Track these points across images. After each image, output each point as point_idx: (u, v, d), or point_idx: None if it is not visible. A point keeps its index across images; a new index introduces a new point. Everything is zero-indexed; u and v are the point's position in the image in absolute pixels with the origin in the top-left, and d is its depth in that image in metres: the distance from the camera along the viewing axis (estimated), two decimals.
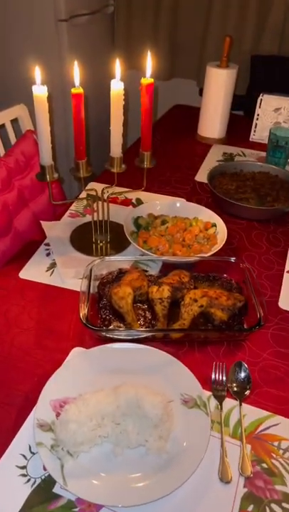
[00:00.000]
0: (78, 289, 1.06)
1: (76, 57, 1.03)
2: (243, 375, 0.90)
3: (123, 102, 1.04)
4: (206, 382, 0.90)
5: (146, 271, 1.14)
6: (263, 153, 1.75)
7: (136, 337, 0.94)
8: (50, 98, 0.97)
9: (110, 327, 0.99)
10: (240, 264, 1.09)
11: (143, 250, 1.16)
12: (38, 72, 0.94)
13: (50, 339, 0.98)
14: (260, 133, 1.82)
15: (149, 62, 1.03)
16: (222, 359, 0.95)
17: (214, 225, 1.26)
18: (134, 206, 1.41)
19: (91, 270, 1.07)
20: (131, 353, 0.93)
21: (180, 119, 2.04)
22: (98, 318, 1.01)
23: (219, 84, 1.70)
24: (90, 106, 2.06)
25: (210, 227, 1.25)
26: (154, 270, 1.15)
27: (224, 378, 0.89)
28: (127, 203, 1.43)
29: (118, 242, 1.25)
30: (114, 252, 1.22)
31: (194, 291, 1.02)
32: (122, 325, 0.99)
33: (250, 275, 1.06)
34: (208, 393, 0.88)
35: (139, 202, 1.43)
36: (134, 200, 1.44)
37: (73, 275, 1.14)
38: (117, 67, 1.01)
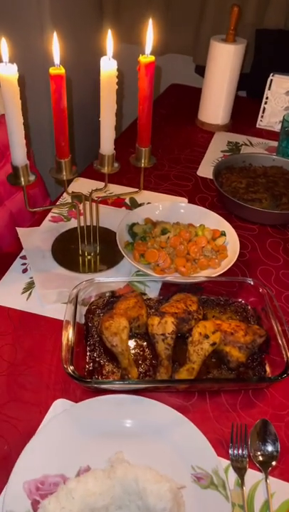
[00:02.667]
0: (61, 317, 0.86)
1: (59, 30, 0.80)
2: (268, 439, 0.72)
3: (116, 86, 0.82)
4: (221, 445, 0.72)
5: (144, 294, 0.95)
6: (273, 143, 1.55)
7: (134, 388, 0.75)
8: (21, 80, 0.75)
9: (103, 374, 0.79)
10: (260, 288, 0.90)
11: (140, 267, 0.96)
12: (4, 46, 0.72)
13: (26, 388, 0.78)
14: (268, 118, 1.61)
15: (150, 35, 0.81)
16: (240, 412, 0.77)
17: (223, 234, 1.06)
18: (128, 207, 1.20)
19: (77, 294, 0.87)
20: (128, 409, 0.74)
21: (177, 101, 1.81)
22: (86, 360, 0.81)
23: (225, 62, 1.47)
24: (74, 91, 1.81)
25: (219, 237, 1.05)
26: (153, 292, 0.96)
27: (245, 444, 0.71)
28: (119, 203, 1.22)
29: (110, 253, 1.05)
30: (106, 267, 1.02)
31: (204, 323, 0.83)
32: (115, 370, 0.80)
33: (270, 303, 0.87)
34: (225, 462, 0.70)
35: (133, 202, 1.22)
36: (127, 200, 1.23)
37: (55, 298, 0.94)
38: (109, 41, 0.79)
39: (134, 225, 1.06)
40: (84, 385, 0.75)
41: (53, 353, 0.84)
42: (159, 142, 1.51)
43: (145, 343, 0.85)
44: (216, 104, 1.57)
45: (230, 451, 0.70)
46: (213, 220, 1.09)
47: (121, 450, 0.69)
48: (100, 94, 0.82)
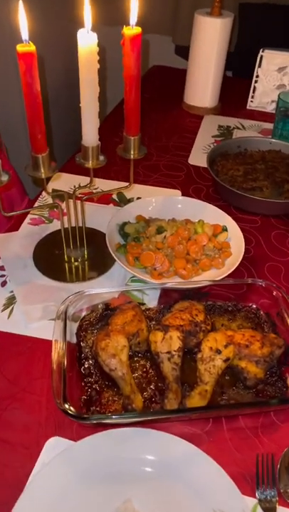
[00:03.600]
0: (49, 337, 0.75)
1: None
2: None
3: (98, 65, 0.69)
4: (245, 480, 0.62)
5: (143, 303, 0.83)
6: (266, 125, 1.44)
7: (141, 421, 0.64)
8: None
9: (102, 403, 0.68)
10: (274, 291, 0.79)
11: (135, 273, 0.85)
12: None
13: (12, 427, 0.66)
14: (259, 99, 1.50)
15: (135, 3, 0.68)
16: (262, 438, 0.67)
17: (225, 229, 0.95)
18: (116, 204, 1.08)
19: (66, 309, 0.75)
20: (135, 445, 0.63)
21: (160, 84, 1.68)
22: (82, 386, 0.70)
23: (211, 38, 1.35)
24: (49, 72, 1.65)
25: (220, 233, 0.94)
26: (152, 300, 0.84)
27: (273, 479, 0.61)
28: (105, 199, 1.10)
29: (99, 258, 0.93)
30: (96, 274, 0.90)
31: (214, 336, 0.72)
32: (116, 398, 0.69)
33: (287, 307, 0.76)
34: (252, 501, 0.60)
35: (121, 198, 1.10)
36: (114, 196, 1.11)
37: (41, 315, 0.82)
38: (87, 10, 0.66)
39: (125, 224, 0.94)
40: (82, 423, 0.64)
41: (42, 380, 0.72)
42: (145, 129, 1.37)
43: (148, 363, 0.74)
44: (203, 86, 1.45)
45: (257, 492, 0.60)
46: (212, 214, 0.98)
47: (129, 497, 0.58)
48: (79, 75, 0.70)
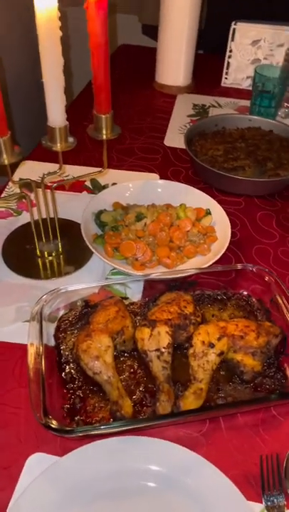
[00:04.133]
0: (24, 341, 0.68)
1: None
2: None
3: (60, 32, 0.61)
4: (249, 484, 0.57)
5: (126, 297, 0.77)
6: (243, 102, 1.38)
7: (131, 428, 0.58)
8: None
9: (87, 411, 0.61)
10: (266, 276, 0.74)
11: (115, 265, 0.78)
12: None
13: None
14: (234, 75, 1.43)
15: None
16: (264, 436, 0.61)
17: (209, 213, 0.89)
18: (90, 191, 1.01)
19: (41, 309, 0.68)
20: (127, 456, 0.57)
21: (129, 64, 1.60)
22: (62, 395, 0.63)
23: (182, 11, 1.27)
24: (3, 44, 1.52)
25: (204, 216, 0.88)
26: (135, 293, 0.78)
27: (280, 480, 0.56)
28: (78, 187, 1.02)
29: (75, 251, 0.86)
30: (72, 269, 0.83)
31: (206, 328, 0.66)
32: (103, 404, 0.62)
33: (281, 292, 0.71)
34: (258, 506, 0.55)
35: (95, 184, 1.02)
36: (87, 183, 1.03)
37: (14, 317, 0.74)
38: None
39: (101, 212, 0.87)
40: (67, 437, 0.57)
41: (18, 390, 0.65)
42: (116, 111, 1.28)
43: (136, 363, 0.67)
44: (175, 64, 1.37)
45: (263, 497, 0.55)
46: (194, 197, 0.91)
47: None
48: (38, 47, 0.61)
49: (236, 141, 1.10)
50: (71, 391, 0.63)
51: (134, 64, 1.59)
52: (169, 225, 0.84)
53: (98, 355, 0.63)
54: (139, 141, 1.18)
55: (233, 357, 0.66)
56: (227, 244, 0.81)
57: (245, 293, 0.77)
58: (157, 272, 0.75)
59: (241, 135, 1.12)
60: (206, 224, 0.87)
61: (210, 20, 1.79)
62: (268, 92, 1.23)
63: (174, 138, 1.20)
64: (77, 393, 0.63)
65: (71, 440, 0.59)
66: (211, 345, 0.64)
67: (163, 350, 0.64)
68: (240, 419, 0.63)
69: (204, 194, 0.91)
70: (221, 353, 0.64)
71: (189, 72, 1.41)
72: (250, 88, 1.33)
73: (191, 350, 0.65)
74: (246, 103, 1.34)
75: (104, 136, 0.74)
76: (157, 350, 0.64)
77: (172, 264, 0.81)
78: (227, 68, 1.44)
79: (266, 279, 0.73)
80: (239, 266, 0.76)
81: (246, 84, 1.43)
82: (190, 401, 0.60)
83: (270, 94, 1.23)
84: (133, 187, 0.93)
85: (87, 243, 0.80)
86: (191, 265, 0.81)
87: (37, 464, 0.57)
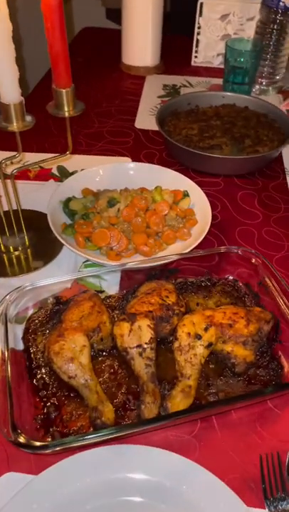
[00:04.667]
0: None
1: None
2: None
3: None
4: (249, 488, 0.51)
5: (102, 291, 0.70)
6: (215, 80, 1.32)
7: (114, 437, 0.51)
8: None
9: (63, 420, 0.54)
10: (252, 258, 0.68)
11: (88, 256, 0.71)
12: None
13: None
14: (204, 53, 1.37)
15: None
16: (262, 433, 0.56)
17: (186, 195, 0.83)
18: (57, 179, 0.93)
19: (6, 309, 0.60)
20: (111, 468, 0.50)
21: (94, 46, 1.51)
22: (35, 405, 0.56)
23: None
24: None
25: (182, 199, 0.82)
26: (112, 286, 0.71)
27: (282, 481, 0.51)
28: (44, 175, 0.94)
29: (44, 244, 0.78)
30: (42, 263, 0.76)
31: (191, 318, 0.60)
32: (81, 411, 0.55)
33: (270, 274, 0.65)
34: None
35: (62, 172, 0.95)
36: (54, 170, 0.95)
37: None
38: None
39: (69, 200, 0.79)
40: (40, 453, 0.50)
41: None
42: (82, 95, 1.21)
43: (116, 362, 0.60)
44: (141, 43, 1.30)
45: (265, 502, 0.49)
46: (170, 179, 0.85)
47: None
48: None
49: (211, 119, 1.04)
50: (44, 399, 0.56)
51: (98, 47, 1.50)
52: (144, 209, 0.77)
53: (73, 357, 0.56)
54: (108, 125, 1.11)
55: (222, 348, 0.60)
56: (208, 228, 0.75)
57: (231, 278, 0.71)
58: (134, 261, 0.68)
59: (216, 113, 1.06)
60: (184, 207, 0.80)
61: (175, 4, 1.72)
62: (241, 68, 1.17)
63: (145, 120, 1.13)
64: (52, 401, 0.56)
65: (47, 455, 0.52)
66: (198, 337, 0.58)
67: (145, 346, 0.57)
68: (235, 416, 0.57)
69: (181, 175, 0.85)
70: (209, 345, 0.58)
71: (157, 52, 1.33)
72: (222, 66, 1.27)
73: (176, 344, 0.59)
74: (219, 81, 1.28)
75: (67, 113, 0.66)
76: (139, 346, 0.57)
77: (151, 251, 0.75)
78: (196, 46, 1.37)
79: (253, 261, 0.68)
80: (222, 249, 0.70)
81: (217, 62, 1.37)
82: (178, 401, 0.54)
83: (242, 70, 1.17)
84: (103, 171, 0.85)
85: (56, 234, 0.72)
86: (171, 252, 0.75)
87: (9, 485, 0.50)
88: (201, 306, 0.67)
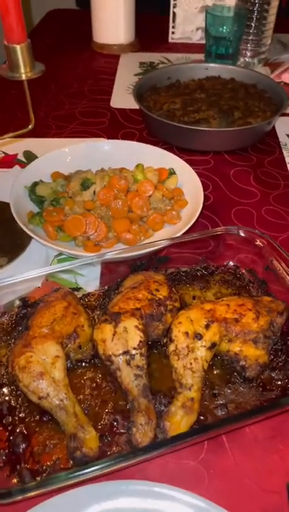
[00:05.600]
0: None
1: None
2: None
3: None
4: None
5: (78, 288, 0.58)
6: (195, 56, 1.21)
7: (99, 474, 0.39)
8: None
9: (33, 454, 0.42)
10: (257, 239, 0.57)
11: (60, 249, 0.59)
12: None
13: None
14: (182, 27, 1.26)
15: None
16: (284, 451, 0.45)
17: (173, 172, 0.71)
18: (23, 165, 0.81)
19: None
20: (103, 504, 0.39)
21: (62, 28, 1.40)
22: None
23: None
24: None
25: (167, 177, 0.71)
26: (90, 281, 0.59)
27: None
28: (8, 161, 0.82)
29: (7, 237, 0.67)
30: (6, 260, 0.64)
31: (187, 314, 0.49)
32: (57, 438, 0.43)
33: (279, 257, 0.55)
34: None
35: (30, 157, 0.83)
36: (20, 156, 0.83)
37: None
38: None
39: (36, 184, 0.67)
40: (4, 503, 0.39)
41: None
42: (50, 76, 1.10)
43: (98, 374, 0.49)
44: (114, 18, 1.18)
45: None
46: (153, 157, 0.74)
47: None
48: None
49: (194, 92, 0.93)
50: (10, 427, 0.44)
51: (67, 28, 1.39)
52: (125, 191, 0.66)
53: (43, 372, 0.44)
54: (80, 106, 0.99)
55: (228, 348, 0.49)
56: (200, 208, 0.64)
57: (231, 264, 0.60)
58: (116, 250, 0.57)
59: (199, 85, 0.95)
60: (171, 186, 0.69)
61: None
62: (224, 38, 1.07)
63: (122, 98, 1.02)
64: (19, 429, 0.44)
65: (11, 505, 0.40)
66: (198, 337, 0.47)
67: (133, 352, 0.46)
68: (249, 433, 0.46)
69: (165, 151, 0.74)
70: (213, 346, 0.47)
71: (131, 28, 1.22)
72: (202, 42, 1.17)
73: (171, 347, 0.47)
74: (200, 56, 1.18)
75: (24, 76, 0.55)
76: (125, 353, 0.46)
77: (135, 239, 0.63)
78: (173, 21, 1.26)
79: (257, 242, 0.57)
80: (220, 230, 0.58)
81: (197, 38, 1.27)
82: (179, 419, 0.43)
83: (225, 40, 1.06)
84: (74, 151, 0.74)
85: (21, 224, 0.60)
86: (159, 238, 0.64)
87: None
88: (199, 300, 0.56)
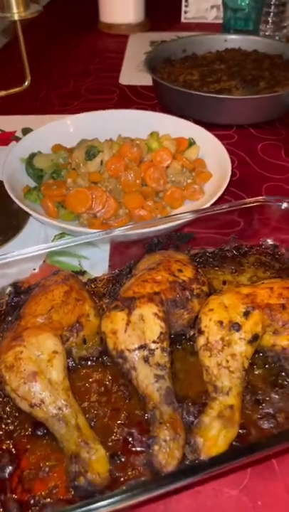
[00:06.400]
0: None
1: None
2: None
3: None
4: None
5: (83, 271, 0.48)
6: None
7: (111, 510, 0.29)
8: None
9: (22, 480, 0.32)
10: None
11: (62, 226, 0.49)
12: None
13: None
14: (196, 6, 1.17)
15: None
16: None
17: (192, 142, 0.61)
18: None
19: None
20: None
21: (67, 10, 1.32)
22: None
23: None
24: None
25: (187, 148, 0.61)
26: (97, 264, 0.49)
27: None
28: (5, 139, 0.73)
29: (3, 218, 0.57)
30: (1, 241, 0.54)
31: (220, 299, 0.39)
32: (54, 459, 0.33)
33: None
34: None
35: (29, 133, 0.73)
36: (18, 133, 0.74)
37: None
38: None
39: (33, 156, 0.58)
40: None
41: None
42: (54, 56, 1.02)
43: (108, 376, 0.38)
44: None
45: None
46: (169, 127, 0.64)
47: None
48: None
49: (213, 63, 0.83)
50: None
51: (71, 10, 1.31)
52: (137, 160, 0.56)
53: (36, 371, 0.34)
54: (86, 83, 0.90)
55: (274, 342, 0.38)
56: (228, 179, 0.54)
57: (269, 242, 0.49)
58: (127, 226, 0.47)
59: (219, 57, 0.86)
60: (192, 156, 0.59)
61: None
62: (242, 10, 0.97)
63: (132, 75, 0.93)
64: (5, 446, 0.34)
65: None
66: (235, 327, 0.37)
67: (153, 346, 0.36)
68: None
69: (183, 120, 0.64)
70: (254, 338, 0.37)
71: (141, 7, 1.14)
72: (218, 21, 1.08)
73: (201, 340, 0.37)
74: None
75: (16, 16, 0.46)
76: (143, 347, 0.36)
77: (149, 217, 0.53)
78: (186, 0, 1.17)
79: None
80: (256, 201, 0.48)
81: (212, 17, 1.18)
82: (215, 433, 0.32)
83: (244, 13, 0.97)
84: (77, 122, 0.64)
85: (15, 199, 0.51)
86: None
87: None
88: (231, 285, 0.46)
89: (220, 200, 0.54)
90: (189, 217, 0.47)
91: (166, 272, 0.41)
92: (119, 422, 0.35)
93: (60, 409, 0.33)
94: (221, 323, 0.37)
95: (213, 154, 0.59)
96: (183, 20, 1.20)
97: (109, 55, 1.03)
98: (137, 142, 0.57)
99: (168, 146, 0.58)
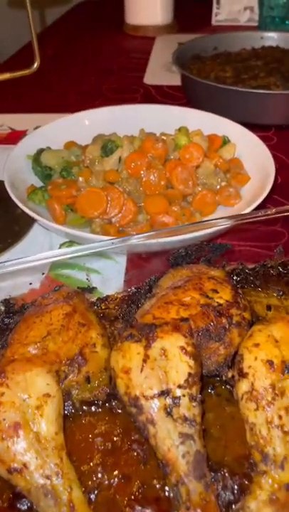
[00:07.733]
0: None
1: None
2: None
3: None
4: None
5: (91, 288, 0.39)
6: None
7: None
8: None
9: None
10: None
11: (69, 230, 0.41)
12: None
13: None
14: (229, 8, 1.10)
15: None
16: None
17: (226, 141, 0.53)
18: None
19: None
20: None
21: (90, 14, 1.26)
22: None
23: None
24: None
25: (221, 146, 0.52)
26: (110, 280, 0.40)
27: None
28: (16, 138, 0.65)
29: (4, 222, 0.49)
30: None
31: (268, 330, 0.29)
32: None
33: None
34: None
35: None
36: (30, 132, 0.67)
37: None
38: None
39: (41, 151, 0.50)
40: None
41: None
42: (75, 54, 0.96)
43: (118, 429, 0.29)
44: None
45: None
46: (201, 125, 0.55)
47: None
48: None
49: (248, 59, 0.75)
50: None
51: (97, 14, 1.25)
52: (162, 158, 0.47)
53: (19, 422, 0.25)
54: (108, 82, 0.83)
55: None
56: (271, 183, 0.45)
57: None
58: (148, 233, 0.38)
59: (255, 54, 0.78)
60: (227, 156, 0.50)
61: None
62: (281, 7, 0.89)
63: (158, 75, 0.86)
64: None
65: None
66: None
67: (178, 392, 0.27)
68: None
69: (217, 116, 0.56)
70: None
71: (169, 8, 1.07)
72: (252, 23, 1.01)
73: (244, 386, 0.28)
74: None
75: None
76: (164, 393, 0.26)
77: (174, 225, 0.44)
78: (217, 3, 1.10)
79: None
80: None
81: (245, 19, 1.10)
82: None
83: (282, 8, 0.89)
84: (93, 117, 0.56)
85: (16, 201, 0.43)
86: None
87: None
88: (277, 311, 0.36)
89: (260, 208, 0.44)
90: (225, 224, 0.38)
91: (196, 293, 0.32)
92: (129, 497, 0.26)
93: (48, 477, 0.24)
94: (270, 363, 0.28)
95: (252, 154, 0.50)
96: (214, 23, 1.13)
97: (135, 55, 0.96)
98: (163, 137, 0.48)
99: (199, 143, 0.49)
